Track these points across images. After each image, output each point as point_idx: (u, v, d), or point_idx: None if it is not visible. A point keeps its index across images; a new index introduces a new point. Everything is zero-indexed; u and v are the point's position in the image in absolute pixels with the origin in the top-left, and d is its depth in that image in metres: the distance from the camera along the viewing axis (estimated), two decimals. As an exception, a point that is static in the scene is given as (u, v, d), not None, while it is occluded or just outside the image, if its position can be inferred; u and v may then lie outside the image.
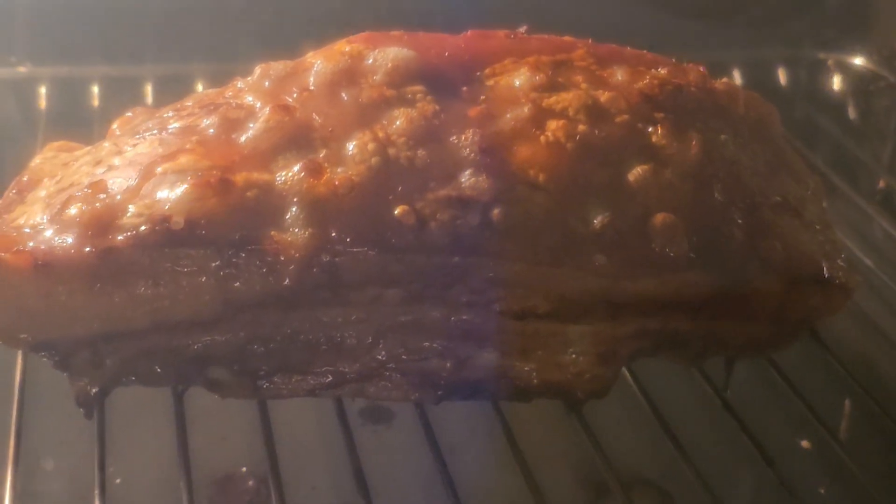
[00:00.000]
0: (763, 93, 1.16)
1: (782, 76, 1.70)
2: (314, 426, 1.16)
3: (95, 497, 0.92)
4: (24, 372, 1.03)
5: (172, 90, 1.48)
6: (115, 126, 1.08)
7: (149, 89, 1.54)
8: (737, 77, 1.65)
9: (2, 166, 1.35)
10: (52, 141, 1.10)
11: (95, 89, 1.54)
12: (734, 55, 1.68)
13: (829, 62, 1.71)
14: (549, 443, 1.15)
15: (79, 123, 1.46)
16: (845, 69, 1.71)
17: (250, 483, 1.16)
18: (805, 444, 1.22)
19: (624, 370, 1.06)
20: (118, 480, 0.96)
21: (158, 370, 0.97)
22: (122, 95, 1.51)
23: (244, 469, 1.17)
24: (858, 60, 1.70)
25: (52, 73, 1.54)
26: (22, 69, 1.54)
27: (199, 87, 1.52)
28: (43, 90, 1.53)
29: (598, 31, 1.12)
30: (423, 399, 1.00)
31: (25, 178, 1.03)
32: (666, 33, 1.46)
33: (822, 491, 1.17)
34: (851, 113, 1.67)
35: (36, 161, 1.06)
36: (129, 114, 1.09)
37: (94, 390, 0.96)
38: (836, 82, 1.71)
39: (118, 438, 1.01)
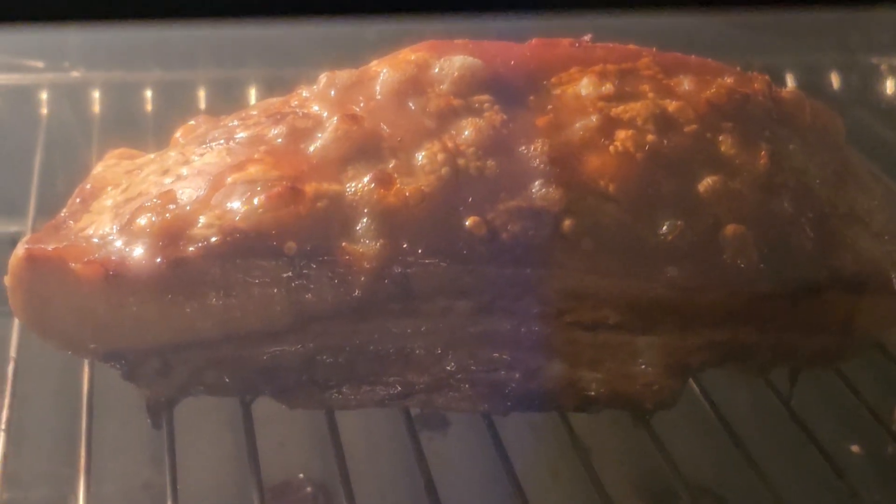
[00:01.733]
0: (816, 99, 1.15)
1: (835, 81, 1.69)
2: (375, 434, 1.16)
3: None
4: (91, 380, 1.03)
5: (225, 95, 1.49)
6: (178, 134, 1.08)
7: (202, 94, 1.54)
8: (789, 81, 1.64)
9: (57, 171, 1.35)
10: (107, 146, 1.10)
11: (149, 94, 1.54)
12: (786, 60, 1.67)
13: (882, 67, 1.70)
14: (613, 449, 1.15)
15: (132, 128, 1.46)
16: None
17: (308, 490, 1.16)
18: (857, 450, 1.21)
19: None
20: (181, 485, 0.96)
21: (227, 380, 0.96)
22: (176, 100, 1.51)
23: (301, 475, 1.17)
24: (911, 64, 1.69)
25: (106, 78, 1.54)
26: (75, 73, 1.55)
27: (252, 93, 1.52)
28: (96, 94, 1.53)
29: (648, 35, 1.11)
30: (491, 410, 0.99)
31: (88, 186, 1.03)
32: (716, 38, 1.45)
33: (878, 498, 1.16)
34: (904, 118, 1.66)
35: (98, 169, 1.06)
36: (192, 122, 1.09)
37: (162, 400, 0.97)
38: (890, 86, 1.69)
39: (181, 444, 1.01)
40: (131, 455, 1.13)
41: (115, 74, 1.54)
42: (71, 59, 1.54)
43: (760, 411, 1.13)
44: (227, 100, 1.42)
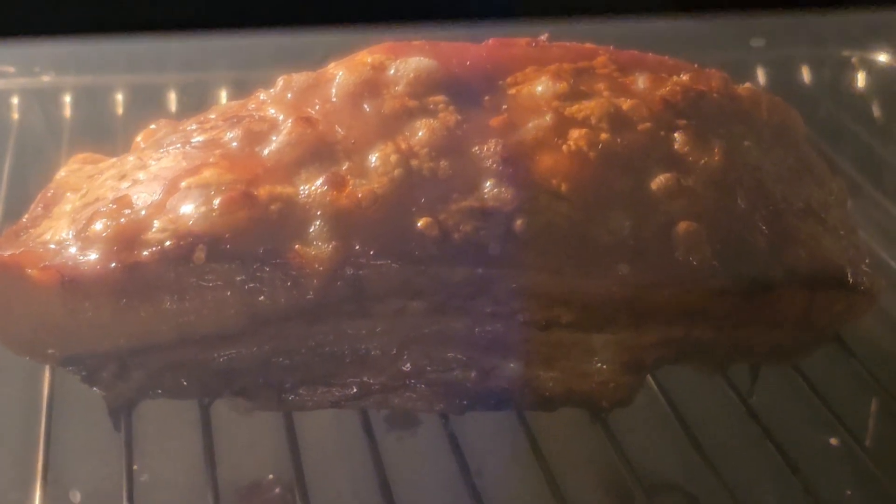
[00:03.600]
0: (787, 92, 1.15)
1: (806, 75, 1.69)
2: (339, 434, 1.16)
3: (124, 504, 0.93)
4: (51, 384, 1.03)
5: (196, 98, 1.49)
6: (139, 139, 1.08)
7: (172, 97, 1.54)
8: (760, 76, 1.64)
9: (27, 176, 1.35)
10: (77, 150, 1.11)
11: (119, 97, 1.54)
12: (757, 55, 1.67)
13: (854, 59, 1.70)
14: (573, 450, 1.15)
15: (103, 132, 1.46)
16: (870, 66, 1.69)
17: (276, 490, 1.16)
18: (833, 441, 1.21)
19: (648, 376, 1.06)
20: (145, 489, 0.96)
21: (185, 383, 0.97)
22: (146, 103, 1.51)
23: (270, 476, 1.17)
24: (883, 58, 1.68)
25: (76, 82, 1.55)
26: (46, 78, 1.55)
27: (223, 95, 1.52)
28: (67, 99, 1.53)
29: (619, 32, 1.12)
30: (448, 409, 1.00)
31: (51, 192, 1.04)
32: (687, 33, 1.45)
33: (849, 493, 1.16)
34: (876, 111, 1.66)
35: (61, 174, 1.07)
36: (153, 126, 1.09)
37: (121, 403, 0.97)
38: (861, 80, 1.69)
39: (144, 447, 1.02)
40: (94, 458, 1.13)
41: (86, 79, 1.55)
42: (41, 64, 1.54)
43: (722, 408, 1.13)
44: (198, 103, 1.42)
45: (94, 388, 0.98)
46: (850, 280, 1.01)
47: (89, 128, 1.49)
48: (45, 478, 0.94)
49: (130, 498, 0.93)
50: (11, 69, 1.54)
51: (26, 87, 1.53)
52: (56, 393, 1.04)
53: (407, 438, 1.21)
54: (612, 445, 1.01)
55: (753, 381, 1.07)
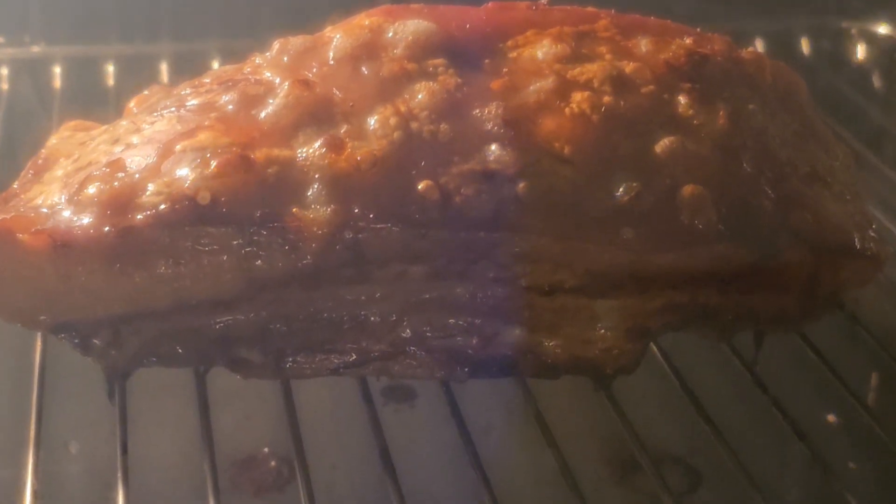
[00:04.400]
0: (786, 63, 1.14)
1: (805, 46, 1.68)
2: (337, 406, 1.15)
3: (119, 478, 0.91)
4: (43, 354, 1.02)
5: (188, 67, 1.46)
6: (132, 104, 1.07)
7: (164, 67, 1.53)
8: (759, 47, 1.63)
9: (17, 147, 1.33)
10: (68, 120, 1.09)
11: (110, 68, 1.52)
12: (757, 25, 1.65)
13: (853, 31, 1.69)
14: (577, 419, 1.14)
15: (94, 103, 1.44)
16: (869, 38, 1.68)
17: (272, 464, 1.15)
18: (831, 418, 1.20)
19: (652, 345, 1.05)
20: (140, 462, 0.95)
21: (180, 351, 0.95)
22: (138, 74, 1.50)
23: (266, 450, 1.16)
24: (883, 29, 1.67)
25: (67, 53, 1.53)
26: (36, 49, 1.53)
27: (215, 65, 1.51)
28: (57, 70, 1.51)
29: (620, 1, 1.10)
30: (449, 377, 0.98)
31: (41, 159, 1.02)
32: (687, 3, 1.44)
33: (852, 465, 1.15)
34: (876, 82, 1.65)
35: (52, 141, 1.05)
36: (146, 91, 1.08)
37: (115, 371, 0.95)
38: (860, 51, 1.68)
39: (140, 419, 1.00)
40: (88, 429, 1.12)
41: (77, 49, 1.53)
42: (31, 34, 1.52)
43: (727, 377, 1.11)
44: (189, 72, 1.39)
45: (88, 357, 0.95)
46: (857, 245, 1.00)
47: (80, 98, 1.47)
48: (37, 450, 0.92)
49: (125, 470, 0.91)
50: (1, 39, 1.52)
51: (16, 57, 1.52)
52: (48, 363, 1.02)
53: (405, 411, 1.20)
54: (616, 414, 0.99)
55: (757, 348, 1.06)
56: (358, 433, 1.04)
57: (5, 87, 1.50)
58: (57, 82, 1.50)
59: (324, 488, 0.94)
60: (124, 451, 0.93)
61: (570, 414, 1.13)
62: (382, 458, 0.93)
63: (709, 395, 1.03)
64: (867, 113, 1.60)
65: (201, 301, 0.92)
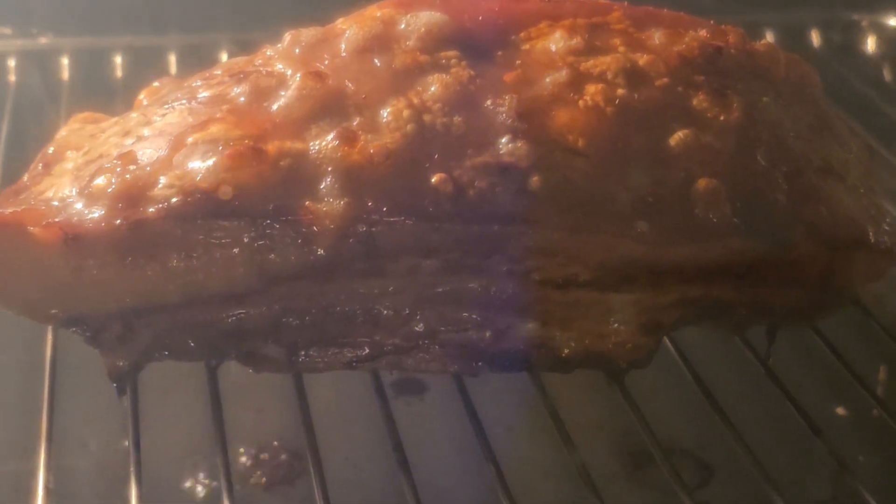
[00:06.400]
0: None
1: (816, 38, 1.67)
2: (348, 399, 1.15)
3: (131, 472, 0.90)
4: (54, 348, 1.01)
5: (197, 59, 1.46)
6: (142, 96, 1.06)
7: (172, 59, 1.52)
8: (770, 39, 1.61)
9: (26, 139, 1.33)
10: (76, 113, 1.08)
11: (118, 60, 1.52)
12: (767, 17, 1.65)
13: (864, 23, 1.68)
14: (590, 413, 1.14)
15: (102, 95, 1.43)
16: (880, 30, 1.67)
17: (283, 457, 1.15)
18: (840, 411, 1.20)
19: (665, 339, 1.04)
20: (151, 456, 0.94)
21: (192, 344, 0.95)
22: (146, 66, 1.49)
23: (276, 443, 1.16)
24: (894, 21, 1.66)
25: (75, 44, 1.52)
26: (43, 40, 1.52)
27: (224, 57, 1.50)
28: (65, 61, 1.51)
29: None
30: (461, 371, 0.98)
31: (51, 151, 1.01)
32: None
33: (865, 459, 1.15)
34: (887, 74, 1.64)
35: (62, 133, 1.04)
36: (157, 84, 1.07)
37: (126, 366, 0.95)
38: (871, 43, 1.67)
39: (151, 413, 0.99)
40: (99, 424, 1.12)
41: (84, 40, 1.52)
42: (39, 26, 1.51)
43: (739, 371, 1.11)
44: (198, 64, 1.39)
45: (98, 351, 0.95)
46: (872, 239, 0.99)
47: (88, 90, 1.46)
48: (48, 445, 0.91)
49: (138, 463, 0.91)
50: (8, 30, 1.51)
51: (24, 48, 1.51)
52: (59, 356, 1.01)
53: (415, 404, 1.20)
54: (629, 407, 0.98)
55: (770, 342, 1.05)
56: (370, 427, 1.04)
57: (13, 78, 1.49)
58: (65, 74, 1.50)
59: (336, 481, 0.94)
60: (136, 445, 0.92)
61: (583, 408, 1.13)
62: (396, 452, 0.93)
63: (722, 389, 1.03)
64: (878, 105, 1.59)
65: (213, 294, 0.91)
